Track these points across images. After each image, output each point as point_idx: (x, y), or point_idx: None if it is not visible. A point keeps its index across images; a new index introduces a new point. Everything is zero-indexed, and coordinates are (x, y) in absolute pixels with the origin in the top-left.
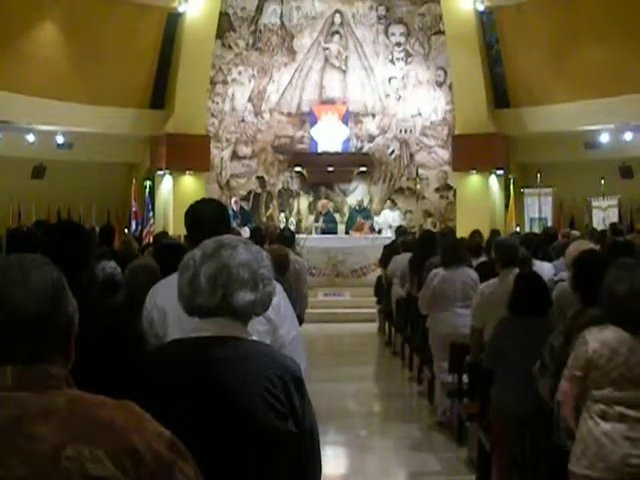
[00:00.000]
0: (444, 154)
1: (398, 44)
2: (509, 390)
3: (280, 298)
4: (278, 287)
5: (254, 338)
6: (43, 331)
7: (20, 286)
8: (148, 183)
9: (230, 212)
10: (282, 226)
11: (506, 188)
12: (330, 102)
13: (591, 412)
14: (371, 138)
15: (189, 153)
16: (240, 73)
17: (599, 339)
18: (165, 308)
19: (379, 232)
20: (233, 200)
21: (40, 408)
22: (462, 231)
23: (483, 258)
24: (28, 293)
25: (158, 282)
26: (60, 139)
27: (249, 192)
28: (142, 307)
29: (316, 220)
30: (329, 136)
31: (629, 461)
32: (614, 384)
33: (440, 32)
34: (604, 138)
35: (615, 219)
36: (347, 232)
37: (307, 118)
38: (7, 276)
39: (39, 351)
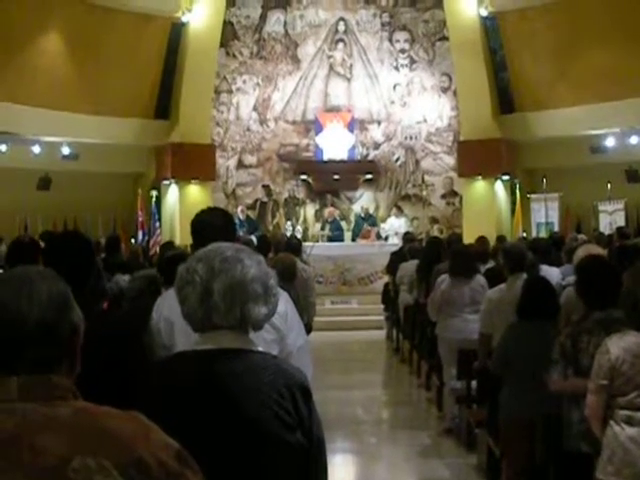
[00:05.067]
0: (450, 160)
1: (402, 51)
2: (518, 395)
3: (287, 306)
4: (285, 295)
5: (259, 349)
6: (48, 342)
7: (25, 297)
8: (154, 193)
9: (236, 221)
10: (288, 234)
11: (512, 193)
12: (335, 110)
13: (616, 418)
14: (376, 145)
15: (194, 162)
16: (245, 82)
17: (620, 346)
18: (172, 318)
19: (386, 239)
20: (239, 209)
21: (45, 419)
22: (469, 237)
23: (490, 264)
24: (33, 304)
25: (165, 293)
26: (65, 150)
27: (255, 201)
28: (145, 317)
29: (322, 228)
30: (334, 144)
31: None
32: (638, 389)
33: (444, 38)
34: (609, 142)
35: (622, 223)
36: (354, 240)
37: (312, 126)
38: (12, 287)
39: (44, 362)
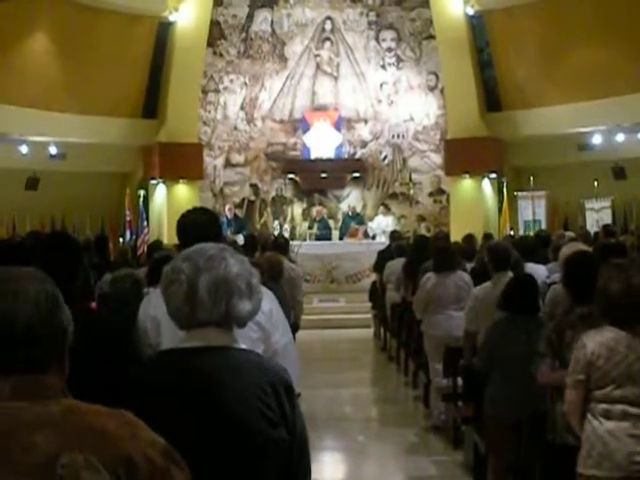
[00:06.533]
0: (437, 159)
1: (389, 49)
2: (502, 392)
3: (272, 305)
4: (270, 294)
5: (243, 347)
6: (38, 342)
7: (14, 298)
8: (142, 192)
9: (224, 220)
10: (276, 233)
11: (499, 192)
12: (322, 109)
13: (595, 412)
14: (364, 144)
15: (182, 162)
16: (232, 81)
17: (597, 341)
18: (158, 317)
19: (373, 238)
20: (227, 208)
21: (35, 418)
22: (456, 235)
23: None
24: (22, 305)
25: (152, 292)
26: (53, 150)
27: (243, 200)
28: (132, 316)
29: (310, 227)
30: (322, 142)
31: (634, 458)
32: (614, 383)
33: (431, 37)
34: (596, 140)
35: (609, 220)
36: (341, 238)
37: (299, 125)
38: (1, 289)
39: (34, 362)
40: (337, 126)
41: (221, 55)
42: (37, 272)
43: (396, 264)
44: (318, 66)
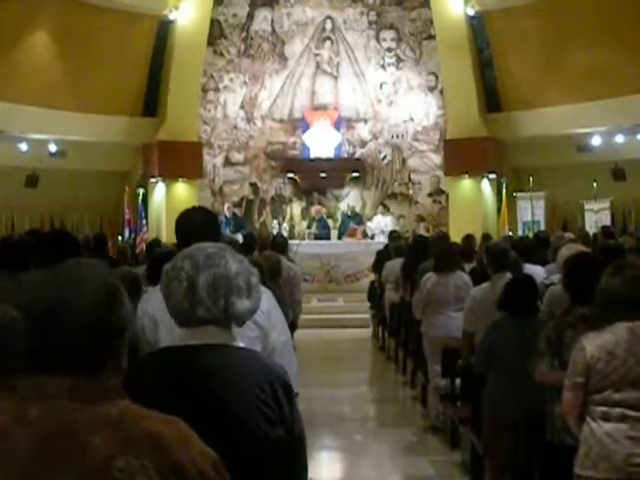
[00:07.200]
0: (436, 159)
1: (389, 49)
2: (500, 392)
3: (270, 304)
4: (268, 293)
5: (241, 345)
6: (97, 340)
7: (74, 294)
8: (141, 191)
9: (223, 219)
10: (275, 232)
11: (498, 192)
12: (322, 108)
13: (593, 414)
14: (363, 143)
15: (181, 160)
16: (232, 80)
17: (596, 343)
18: (156, 316)
19: (372, 237)
20: (226, 207)
21: (94, 418)
22: (455, 236)
23: (474, 264)
24: (82, 301)
25: (150, 290)
26: (53, 148)
27: (242, 198)
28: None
29: (309, 226)
30: (321, 142)
31: (632, 460)
32: (613, 386)
33: (431, 37)
34: (596, 141)
35: (607, 222)
36: (340, 238)
37: (299, 124)
38: (61, 284)
39: (93, 360)
40: (337, 126)
41: (221, 54)
42: (99, 266)
43: (394, 264)
44: (318, 65)
